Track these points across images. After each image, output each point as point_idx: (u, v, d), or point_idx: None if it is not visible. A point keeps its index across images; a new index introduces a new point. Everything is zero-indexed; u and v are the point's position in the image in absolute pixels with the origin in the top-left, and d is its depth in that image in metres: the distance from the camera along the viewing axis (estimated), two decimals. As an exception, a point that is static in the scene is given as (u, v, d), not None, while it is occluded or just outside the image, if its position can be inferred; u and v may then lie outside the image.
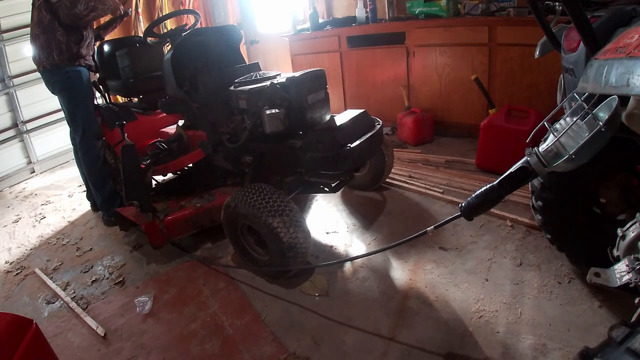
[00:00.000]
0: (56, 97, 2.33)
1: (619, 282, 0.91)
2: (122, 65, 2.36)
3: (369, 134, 1.77)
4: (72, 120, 2.27)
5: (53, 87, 2.24)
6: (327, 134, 1.66)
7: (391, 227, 2.03)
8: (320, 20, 3.67)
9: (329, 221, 2.16)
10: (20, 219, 2.80)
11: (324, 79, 1.83)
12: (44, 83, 2.28)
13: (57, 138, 3.90)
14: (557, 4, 1.63)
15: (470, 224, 1.89)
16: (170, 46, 2.06)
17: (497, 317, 1.38)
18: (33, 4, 2.10)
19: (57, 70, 2.15)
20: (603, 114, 0.80)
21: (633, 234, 0.95)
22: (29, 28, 2.18)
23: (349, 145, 1.63)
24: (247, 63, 2.20)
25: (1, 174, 3.55)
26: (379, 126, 1.88)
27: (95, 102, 2.43)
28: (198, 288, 1.75)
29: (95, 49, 2.43)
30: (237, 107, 1.84)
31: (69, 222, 2.62)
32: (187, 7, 4.32)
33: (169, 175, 2.45)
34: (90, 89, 2.32)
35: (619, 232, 1.00)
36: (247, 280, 1.76)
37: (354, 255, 1.81)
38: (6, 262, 2.20)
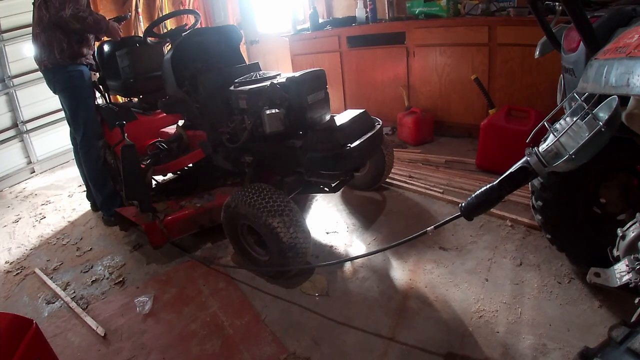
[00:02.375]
0: (57, 96, 2.33)
1: (619, 282, 0.91)
2: (122, 65, 2.36)
3: (369, 134, 1.77)
4: (73, 120, 2.27)
5: (54, 87, 2.23)
6: (327, 134, 1.66)
7: (391, 227, 2.03)
8: (320, 20, 3.67)
9: (329, 221, 2.16)
10: (20, 219, 2.80)
11: (324, 79, 1.83)
12: (45, 82, 2.27)
13: (57, 138, 3.90)
14: (557, 4, 1.64)
15: (470, 224, 1.89)
16: (170, 46, 2.06)
17: (497, 317, 1.38)
18: (34, 3, 2.10)
19: (59, 69, 2.15)
20: (603, 114, 0.80)
21: (633, 234, 0.95)
22: (31, 27, 2.18)
23: (349, 145, 1.63)
24: (247, 63, 2.20)
25: (1, 174, 3.55)
26: (379, 126, 1.88)
27: (95, 102, 2.42)
28: (198, 288, 1.75)
29: (95, 49, 2.43)
30: (237, 107, 1.84)
31: (69, 222, 2.62)
32: (187, 7, 4.33)
33: (169, 175, 2.46)
34: (91, 88, 2.32)
35: (619, 232, 1.00)
36: (247, 280, 1.76)
37: (354, 255, 1.81)
38: (6, 262, 2.20)
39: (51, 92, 2.30)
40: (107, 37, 2.28)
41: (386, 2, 3.28)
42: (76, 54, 2.18)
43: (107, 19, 2.22)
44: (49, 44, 2.10)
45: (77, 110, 2.23)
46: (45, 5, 2.02)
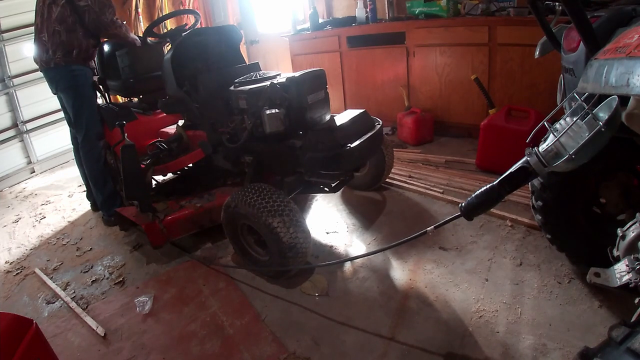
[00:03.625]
0: (56, 97, 2.33)
1: (619, 282, 0.91)
2: (122, 65, 2.36)
3: (369, 134, 1.77)
4: (75, 119, 2.27)
5: (57, 85, 2.22)
6: (327, 134, 1.66)
7: (391, 227, 2.03)
8: (320, 20, 3.67)
9: (329, 221, 2.16)
10: (20, 219, 2.80)
11: (324, 79, 1.83)
12: (46, 82, 2.27)
13: (57, 138, 3.90)
14: (557, 4, 1.64)
15: (470, 224, 1.89)
16: (170, 46, 2.06)
17: (497, 317, 1.38)
18: (54, 1, 2.07)
19: (64, 68, 2.15)
20: (603, 114, 0.80)
21: (633, 234, 0.95)
22: (35, 26, 2.16)
23: (349, 145, 1.63)
24: (247, 63, 2.20)
25: (1, 174, 3.55)
26: (379, 126, 1.88)
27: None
28: (198, 288, 1.75)
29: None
30: (237, 107, 1.84)
31: (69, 222, 2.62)
32: (187, 7, 4.32)
33: (169, 175, 2.46)
34: (93, 89, 2.33)
35: (619, 232, 1.00)
36: (247, 280, 1.76)
37: (354, 255, 1.81)
38: (6, 262, 2.20)
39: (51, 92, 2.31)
40: (126, 44, 2.30)
41: (386, 2, 3.28)
42: (89, 57, 2.22)
43: None
44: (69, 44, 2.11)
45: (81, 110, 2.23)
46: (72, 6, 2.03)
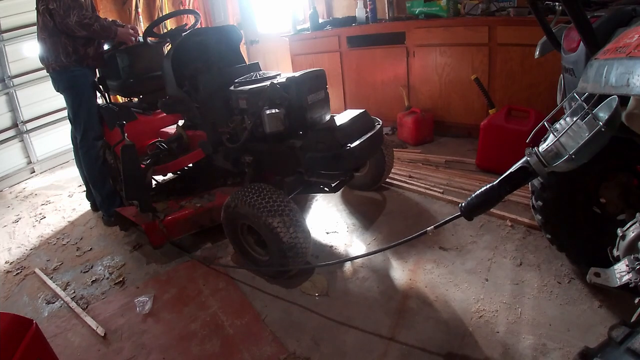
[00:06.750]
0: (61, 95, 2.34)
1: (619, 282, 0.91)
2: (122, 65, 2.36)
3: (369, 134, 1.77)
4: (74, 119, 2.28)
5: (58, 85, 2.26)
6: (327, 134, 1.66)
7: (391, 227, 2.03)
8: (320, 20, 3.67)
9: (329, 221, 2.16)
10: (20, 219, 2.80)
11: (324, 79, 1.83)
12: (49, 82, 2.29)
13: (57, 138, 3.90)
14: (557, 4, 1.64)
15: (470, 224, 1.89)
16: (170, 46, 2.06)
17: (497, 317, 1.38)
18: (37, 9, 2.10)
19: (65, 70, 2.17)
20: (603, 114, 0.80)
21: (633, 234, 0.95)
22: (35, 28, 2.18)
23: (349, 145, 1.63)
24: (247, 63, 2.20)
25: (1, 174, 3.55)
26: (379, 126, 1.88)
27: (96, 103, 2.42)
28: (198, 288, 1.75)
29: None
30: (237, 107, 1.85)
31: (69, 222, 2.62)
32: (187, 7, 4.33)
33: (169, 175, 2.46)
34: (93, 89, 2.34)
35: (619, 232, 1.00)
36: (247, 280, 1.76)
37: (354, 255, 1.81)
38: (6, 262, 2.20)
39: (52, 91, 2.32)
40: (120, 41, 2.26)
41: (386, 2, 3.28)
42: (82, 57, 2.20)
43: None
44: (55, 49, 2.12)
45: (79, 110, 2.24)
46: (49, 11, 2.03)
